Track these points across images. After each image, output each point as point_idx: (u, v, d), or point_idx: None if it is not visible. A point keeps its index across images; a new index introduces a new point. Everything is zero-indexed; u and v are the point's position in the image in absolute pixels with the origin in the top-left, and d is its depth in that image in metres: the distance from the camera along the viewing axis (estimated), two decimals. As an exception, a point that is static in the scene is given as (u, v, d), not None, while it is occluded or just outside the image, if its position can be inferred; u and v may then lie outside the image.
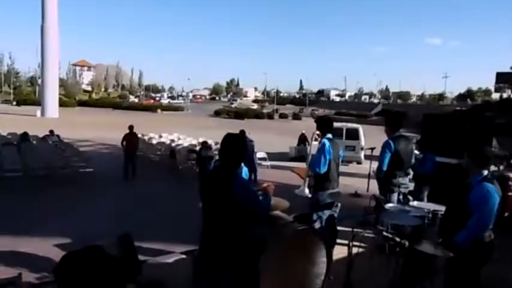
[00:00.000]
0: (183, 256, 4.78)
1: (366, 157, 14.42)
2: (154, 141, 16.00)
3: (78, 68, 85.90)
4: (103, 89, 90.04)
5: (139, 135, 13.58)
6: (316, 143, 4.19)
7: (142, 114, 47.88)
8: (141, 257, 4.50)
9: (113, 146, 16.13)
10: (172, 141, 15.92)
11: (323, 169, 4.02)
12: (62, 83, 66.65)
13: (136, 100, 77.26)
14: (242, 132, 9.61)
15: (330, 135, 4.25)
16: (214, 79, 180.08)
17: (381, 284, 3.63)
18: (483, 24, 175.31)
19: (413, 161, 5.10)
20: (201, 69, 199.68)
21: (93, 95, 77.55)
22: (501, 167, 6.07)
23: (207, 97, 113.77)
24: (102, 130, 23.35)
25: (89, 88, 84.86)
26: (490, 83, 56.97)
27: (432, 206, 3.94)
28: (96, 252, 3.36)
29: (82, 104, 61.31)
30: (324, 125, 4.34)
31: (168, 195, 9.22)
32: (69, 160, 10.96)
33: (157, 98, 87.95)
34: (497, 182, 4.73)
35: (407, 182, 5.01)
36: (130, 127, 11.50)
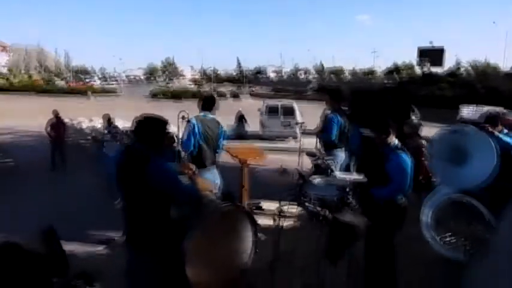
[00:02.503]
0: (114, 245, 4.65)
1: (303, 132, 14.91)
2: (84, 126, 15.09)
3: (-10, 49, 77.26)
4: (23, 72, 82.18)
5: (66, 120, 12.75)
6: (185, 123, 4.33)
7: (71, 99, 44.59)
8: (70, 250, 4.29)
9: (37, 134, 14.91)
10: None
11: (190, 148, 4.18)
12: (-28, 67, 59.88)
13: (63, 83, 71.55)
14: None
15: (207, 113, 4.40)
16: (149, 59, 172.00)
17: (308, 254, 3.84)
18: (406, 2, 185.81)
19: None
20: (133, 48, 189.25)
21: (12, 79, 70.52)
22: (418, 135, 6.60)
23: (142, 78, 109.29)
24: (24, 117, 21.37)
25: (6, 71, 77.00)
26: (413, 58, 61.00)
27: (354, 176, 4.18)
28: (12, 249, 3.11)
29: (-1, 89, 55.71)
30: (204, 102, 4.49)
31: (99, 183, 8.80)
32: (-18, 153, 9.98)
33: (87, 81, 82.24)
34: (413, 149, 5.19)
35: (343, 155, 5.38)
36: (55, 112, 10.80)
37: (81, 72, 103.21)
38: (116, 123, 15.56)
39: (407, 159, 3.36)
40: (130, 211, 2.50)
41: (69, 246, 4.34)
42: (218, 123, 4.52)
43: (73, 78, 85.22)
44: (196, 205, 2.71)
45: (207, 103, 4.49)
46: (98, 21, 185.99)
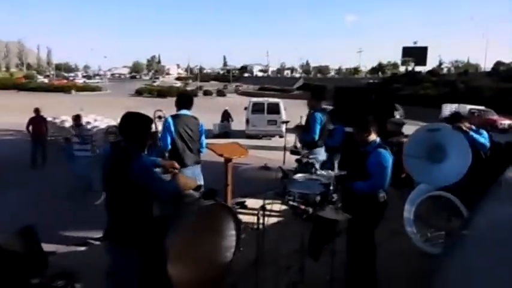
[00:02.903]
0: (96, 243, 4.59)
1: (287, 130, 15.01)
2: (67, 124, 14.80)
3: (-30, 45, 75.19)
4: (4, 69, 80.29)
5: (49, 118, 12.54)
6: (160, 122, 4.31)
7: (54, 96, 43.88)
8: (49, 249, 4.23)
9: (18, 132, 14.61)
10: (88, 123, 14.83)
11: (168, 146, 4.16)
12: (-48, 63, 58.14)
13: (46, 80, 69.90)
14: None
15: (184, 111, 4.32)
16: (134, 57, 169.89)
17: (291, 251, 3.87)
18: (392, 2, 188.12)
19: None
20: (118, 46, 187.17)
21: (-7, 76, 68.84)
22: (401, 133, 6.67)
23: (127, 75, 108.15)
24: (4, 115, 20.92)
25: (-13, 68, 75.12)
26: (397, 57, 61.98)
27: (337, 173, 4.21)
28: (-11, 249, 3.06)
29: (-21, 86, 54.20)
30: (179, 100, 4.42)
31: (77, 183, 8.64)
32: (-39, 150, 9.71)
33: (70, 78, 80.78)
34: (396, 147, 5.24)
35: (323, 152, 5.41)
36: (36, 110, 10.60)
37: (65, 70, 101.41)
38: (98, 121, 15.44)
39: (387, 157, 3.39)
40: (113, 208, 2.49)
41: (49, 246, 4.29)
42: (197, 120, 4.43)
43: (55, 75, 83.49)
44: (178, 203, 2.70)
45: (183, 101, 4.38)
46: (82, 18, 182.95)
